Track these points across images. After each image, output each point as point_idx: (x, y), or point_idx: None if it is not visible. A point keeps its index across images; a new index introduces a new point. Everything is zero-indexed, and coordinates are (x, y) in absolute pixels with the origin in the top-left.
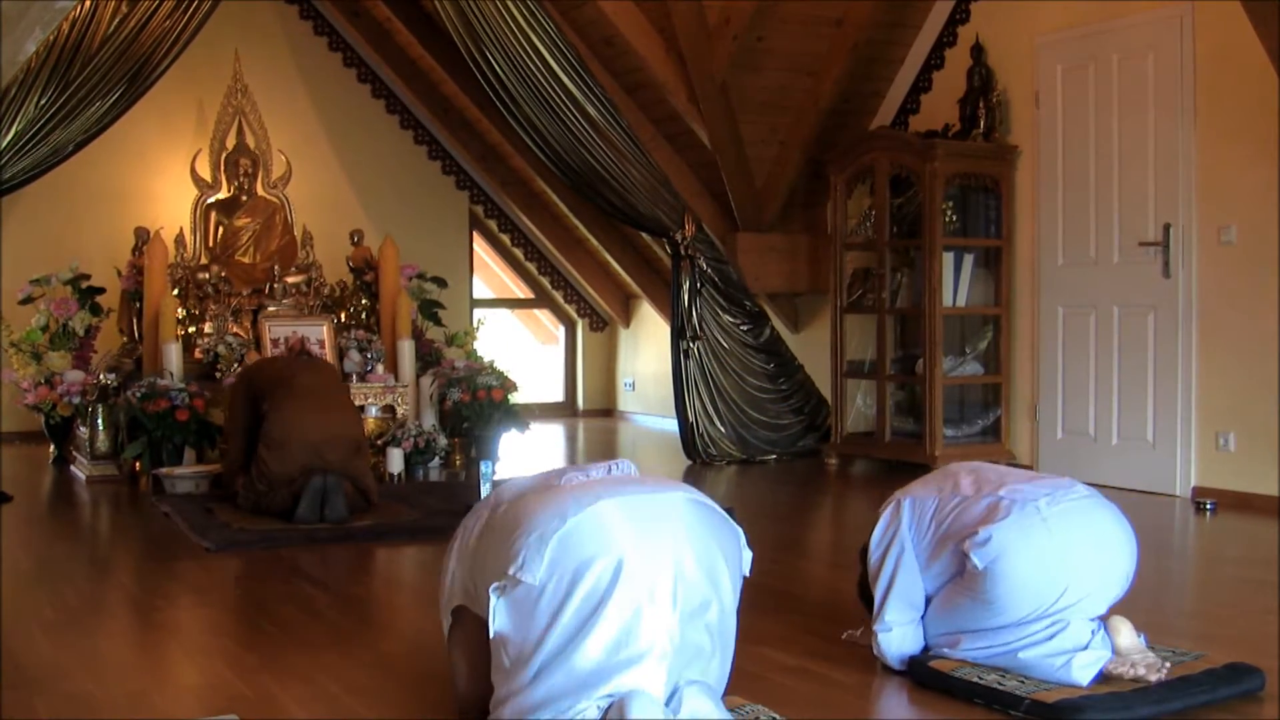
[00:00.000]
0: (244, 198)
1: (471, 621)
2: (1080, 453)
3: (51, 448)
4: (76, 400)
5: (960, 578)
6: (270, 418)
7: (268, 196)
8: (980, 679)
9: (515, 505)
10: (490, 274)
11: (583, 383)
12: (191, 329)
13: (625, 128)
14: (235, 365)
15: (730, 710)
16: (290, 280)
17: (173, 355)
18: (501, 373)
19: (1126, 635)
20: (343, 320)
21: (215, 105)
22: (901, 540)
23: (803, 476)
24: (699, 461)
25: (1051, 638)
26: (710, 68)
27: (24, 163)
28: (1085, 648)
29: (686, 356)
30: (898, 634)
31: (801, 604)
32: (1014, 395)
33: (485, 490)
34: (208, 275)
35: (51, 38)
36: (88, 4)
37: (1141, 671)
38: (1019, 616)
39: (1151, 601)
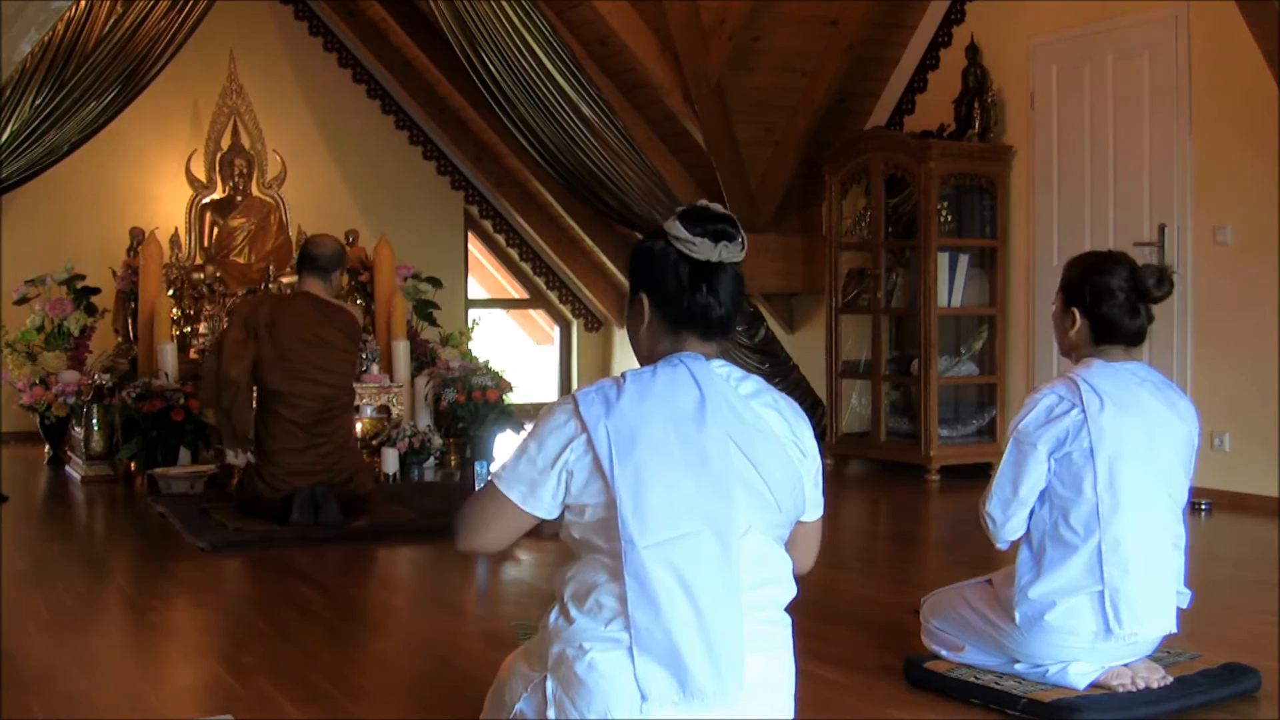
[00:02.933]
0: (239, 198)
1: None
2: None
3: (46, 448)
4: (71, 400)
5: (991, 606)
6: (261, 438)
7: (263, 197)
8: (976, 679)
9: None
10: (485, 274)
11: (578, 383)
12: (186, 329)
13: (620, 128)
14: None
15: None
16: (285, 280)
17: (168, 355)
18: (497, 373)
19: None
20: None
21: (210, 106)
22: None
23: None
24: None
25: (1061, 667)
26: (705, 68)
27: (19, 163)
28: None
29: None
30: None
31: (797, 604)
32: (1009, 395)
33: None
34: (203, 275)
35: (47, 38)
36: (83, 4)
37: (1141, 685)
38: (1035, 661)
39: None
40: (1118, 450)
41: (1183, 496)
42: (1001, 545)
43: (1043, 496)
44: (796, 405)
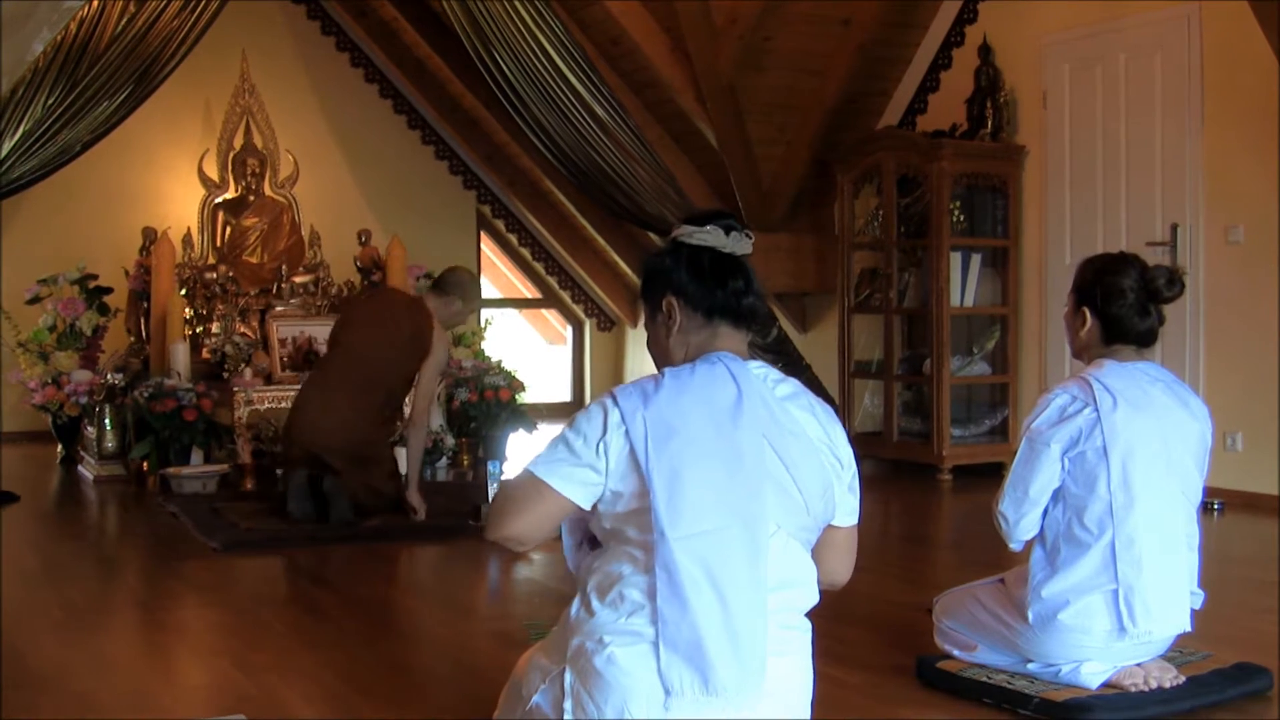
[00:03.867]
0: (251, 198)
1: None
2: None
3: (59, 447)
4: (84, 400)
5: (1003, 605)
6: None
7: (275, 196)
8: (989, 679)
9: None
10: (498, 274)
11: (590, 383)
12: (199, 329)
13: (632, 127)
14: (243, 365)
15: None
16: (298, 280)
17: (180, 355)
18: (509, 373)
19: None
20: None
21: (223, 105)
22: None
23: None
24: None
25: (1073, 666)
26: (717, 67)
27: (31, 162)
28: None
29: None
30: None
31: None
32: (1021, 395)
33: (493, 491)
34: (215, 275)
35: (59, 37)
36: (95, 4)
37: (1154, 684)
38: (1048, 661)
39: None
40: (1131, 448)
41: (1197, 495)
42: (1015, 546)
43: (1056, 496)
44: (831, 411)
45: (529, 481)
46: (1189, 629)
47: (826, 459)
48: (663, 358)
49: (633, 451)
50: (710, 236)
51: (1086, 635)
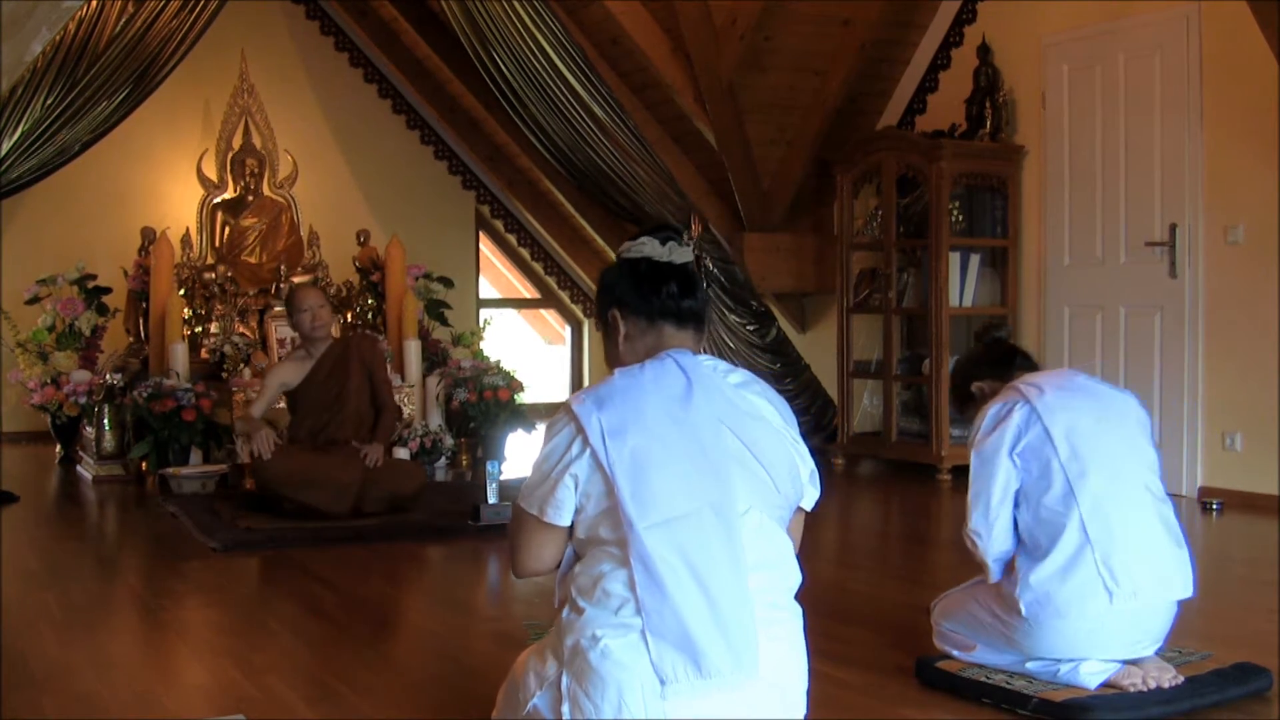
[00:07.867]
0: (250, 198)
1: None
2: None
3: (58, 448)
4: (83, 400)
5: (999, 603)
6: None
7: (274, 196)
8: (988, 679)
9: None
10: (497, 274)
11: (589, 382)
12: (198, 329)
13: (632, 128)
14: (242, 365)
15: None
16: (297, 280)
17: (179, 355)
18: (508, 373)
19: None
20: (349, 320)
21: (222, 105)
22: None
23: None
24: None
25: (1072, 666)
26: (717, 67)
27: (30, 162)
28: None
29: None
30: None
31: (809, 604)
32: None
33: (492, 490)
34: (214, 275)
35: (58, 37)
36: (94, 4)
37: (1152, 684)
38: (1046, 656)
39: None
40: (1071, 423)
41: (1148, 457)
42: (993, 566)
43: (1019, 499)
44: (785, 401)
45: (520, 515)
46: (1186, 592)
47: (789, 443)
48: (618, 367)
49: (594, 453)
50: (646, 247)
51: (1082, 620)
